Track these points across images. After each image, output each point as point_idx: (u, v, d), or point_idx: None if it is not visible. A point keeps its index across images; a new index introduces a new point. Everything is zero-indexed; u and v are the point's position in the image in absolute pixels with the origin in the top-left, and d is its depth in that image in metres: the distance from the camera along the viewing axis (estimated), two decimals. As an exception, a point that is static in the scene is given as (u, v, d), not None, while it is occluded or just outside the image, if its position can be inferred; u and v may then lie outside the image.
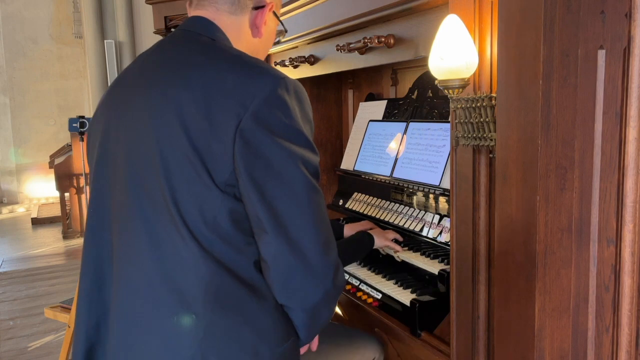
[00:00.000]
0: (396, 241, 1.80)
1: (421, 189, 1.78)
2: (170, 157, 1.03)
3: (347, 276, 1.85)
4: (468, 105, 1.19)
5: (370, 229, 1.87)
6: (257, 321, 1.07)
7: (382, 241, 1.78)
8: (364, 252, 1.75)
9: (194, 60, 1.09)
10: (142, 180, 1.07)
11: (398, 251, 1.75)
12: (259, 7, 1.21)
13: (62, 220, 6.79)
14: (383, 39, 1.54)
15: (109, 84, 5.41)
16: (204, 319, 1.03)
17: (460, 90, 1.17)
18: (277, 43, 1.35)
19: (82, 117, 4.80)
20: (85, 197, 5.20)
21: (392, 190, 1.95)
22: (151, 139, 1.05)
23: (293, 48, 2.22)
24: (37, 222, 7.79)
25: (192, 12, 1.21)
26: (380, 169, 2.00)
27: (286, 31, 1.38)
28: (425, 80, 1.96)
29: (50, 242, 6.59)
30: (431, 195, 1.74)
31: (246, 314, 1.06)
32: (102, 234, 1.15)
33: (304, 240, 1.04)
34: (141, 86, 1.12)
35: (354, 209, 2.14)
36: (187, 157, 1.01)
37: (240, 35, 1.21)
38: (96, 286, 1.15)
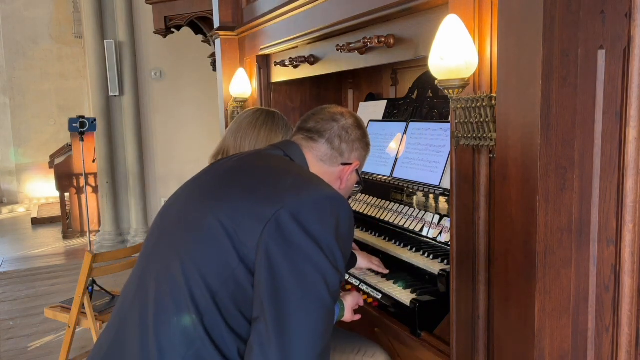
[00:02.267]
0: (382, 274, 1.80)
1: (421, 189, 1.78)
2: (200, 223, 1.07)
3: (347, 276, 1.85)
4: (468, 105, 1.19)
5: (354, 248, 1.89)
6: None
7: (366, 263, 1.80)
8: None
9: (264, 162, 1.22)
10: (170, 240, 1.13)
11: (385, 272, 1.77)
12: (346, 164, 1.32)
13: (62, 220, 6.79)
14: (383, 39, 1.54)
15: (109, 84, 5.41)
16: None
17: (460, 90, 1.17)
18: (352, 195, 1.51)
19: (82, 117, 4.78)
20: (85, 197, 5.20)
21: (392, 190, 1.95)
22: (195, 212, 1.12)
23: (293, 48, 2.22)
24: (37, 222, 7.79)
25: (293, 138, 1.34)
26: (380, 169, 2.00)
27: (362, 187, 1.46)
28: (425, 80, 1.96)
29: (50, 242, 6.59)
30: (431, 195, 1.74)
31: None
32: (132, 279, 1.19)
33: (296, 349, 0.98)
34: (210, 183, 1.22)
35: (354, 208, 2.14)
36: (214, 225, 1.05)
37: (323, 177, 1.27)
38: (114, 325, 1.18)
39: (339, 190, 1.31)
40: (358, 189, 1.45)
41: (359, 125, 1.36)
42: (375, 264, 1.81)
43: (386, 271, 1.79)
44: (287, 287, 0.99)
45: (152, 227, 1.24)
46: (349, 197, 1.46)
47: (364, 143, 1.37)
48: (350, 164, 1.32)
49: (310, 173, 1.23)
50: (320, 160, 1.30)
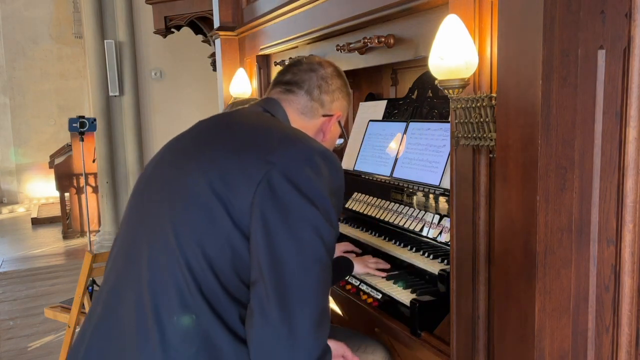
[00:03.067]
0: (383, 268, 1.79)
1: (421, 189, 1.78)
2: (189, 188, 1.05)
3: (347, 277, 1.85)
4: (468, 105, 1.19)
5: (349, 251, 1.88)
6: None
7: (362, 269, 1.77)
8: (340, 279, 1.75)
9: (246, 120, 1.18)
10: (158, 209, 1.09)
11: (383, 277, 1.74)
12: (328, 115, 1.28)
13: (62, 220, 6.79)
14: (383, 39, 1.54)
15: (109, 84, 5.41)
16: (180, 355, 1.00)
17: (460, 90, 1.17)
18: (337, 147, 1.46)
19: (82, 117, 4.78)
20: (85, 197, 5.20)
21: (392, 190, 1.95)
22: (182, 176, 1.09)
23: (293, 48, 2.22)
24: (37, 222, 7.79)
25: (269, 94, 1.29)
26: (380, 169, 2.00)
27: (346, 139, 1.44)
28: (425, 80, 1.96)
29: (50, 242, 6.59)
30: (431, 195, 1.74)
31: (224, 358, 1.02)
32: (114, 262, 1.16)
33: (297, 308, 0.98)
34: (193, 144, 1.18)
35: (354, 208, 2.14)
36: (204, 189, 1.03)
37: (305, 131, 1.24)
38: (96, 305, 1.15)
39: (324, 141, 1.29)
40: (342, 141, 1.42)
41: (338, 73, 1.32)
42: (372, 267, 1.79)
43: (388, 266, 1.77)
44: (283, 248, 0.98)
45: (135, 195, 1.20)
46: (333, 150, 1.44)
47: (345, 92, 1.32)
48: (332, 115, 1.29)
49: (294, 129, 1.19)
50: (301, 114, 1.26)
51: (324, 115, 1.28)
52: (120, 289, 1.10)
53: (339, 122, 1.33)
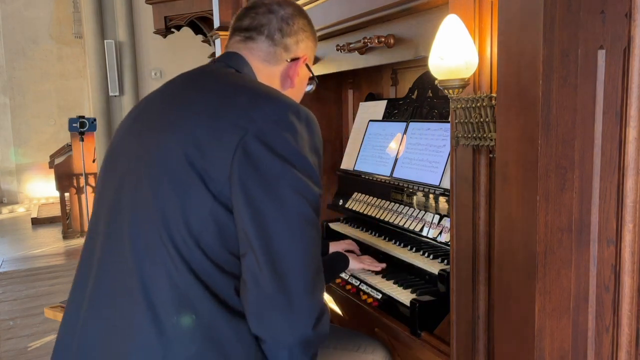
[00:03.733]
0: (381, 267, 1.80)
1: (421, 189, 1.78)
2: (167, 162, 1.01)
3: (347, 276, 1.85)
4: (468, 105, 1.19)
5: (350, 250, 1.88)
6: (231, 345, 1.01)
7: (358, 264, 1.78)
8: (336, 273, 1.74)
9: (212, 82, 1.12)
10: (138, 187, 1.05)
11: (378, 270, 1.76)
12: (293, 60, 1.22)
13: (62, 220, 6.79)
14: (383, 39, 1.54)
15: (109, 84, 5.41)
16: (174, 336, 0.98)
17: (460, 90, 1.17)
18: (308, 92, 1.38)
19: (82, 117, 4.80)
20: (85, 197, 5.20)
21: (392, 190, 1.95)
22: (152, 146, 1.05)
23: (293, 48, 2.22)
24: (37, 222, 7.79)
25: (228, 48, 1.22)
26: (380, 169, 2.00)
27: (317, 82, 1.37)
28: (425, 80, 1.96)
29: (50, 242, 6.59)
30: (431, 195, 1.74)
31: (219, 335, 1.00)
32: (91, 250, 1.12)
33: (290, 269, 0.97)
34: (157, 103, 1.15)
35: (354, 208, 2.14)
36: (181, 161, 0.99)
37: (271, 83, 1.20)
38: (78, 301, 1.12)
39: (292, 91, 1.24)
40: (312, 84, 1.35)
41: (299, 12, 1.23)
42: (367, 263, 1.80)
43: (384, 265, 1.79)
44: (268, 215, 0.96)
45: (106, 171, 1.15)
46: (308, 91, 1.37)
47: (309, 32, 1.25)
48: (298, 58, 1.22)
49: (263, 85, 1.12)
50: (264, 61, 1.19)
51: (289, 60, 1.21)
52: (106, 273, 1.07)
53: (307, 65, 1.26)
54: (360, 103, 2.37)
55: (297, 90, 1.28)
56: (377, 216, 1.97)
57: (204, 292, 0.99)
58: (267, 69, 1.20)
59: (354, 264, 1.78)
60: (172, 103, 1.11)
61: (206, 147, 0.99)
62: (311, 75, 1.31)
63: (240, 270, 1.01)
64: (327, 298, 1.92)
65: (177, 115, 1.06)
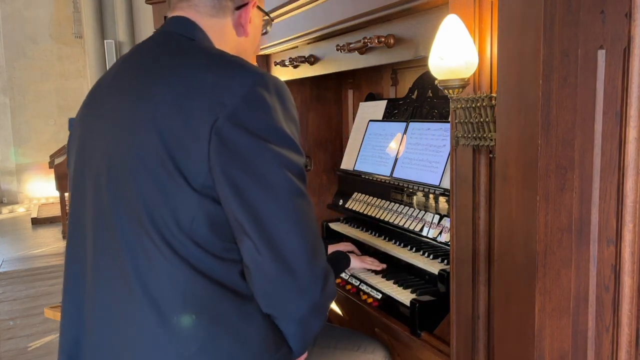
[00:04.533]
0: (381, 267, 1.82)
1: (421, 189, 1.78)
2: (144, 161, 0.98)
3: (347, 276, 1.85)
4: (468, 105, 1.19)
5: (350, 251, 1.88)
6: (241, 330, 1.01)
7: (359, 263, 1.79)
8: (337, 272, 1.75)
9: (170, 61, 1.04)
10: (119, 187, 1.02)
11: (378, 270, 1.77)
12: (241, 6, 1.15)
13: (62, 220, 6.79)
14: (383, 39, 1.54)
15: (109, 84, 5.43)
16: (182, 330, 0.98)
17: (460, 90, 1.17)
18: (265, 34, 1.32)
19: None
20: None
21: (392, 190, 1.95)
22: (126, 144, 1.01)
23: (293, 48, 2.22)
24: (37, 222, 7.79)
25: (171, 13, 1.15)
26: (380, 169, 2.00)
27: (272, 20, 1.31)
28: (425, 80, 1.96)
29: (50, 242, 6.59)
30: (431, 195, 1.74)
31: (228, 323, 1.00)
32: (80, 249, 1.11)
33: (288, 247, 0.97)
34: (117, 91, 1.08)
35: (354, 208, 2.14)
36: (160, 159, 0.96)
37: (224, 37, 1.15)
38: (75, 298, 1.11)
39: (247, 40, 1.19)
40: (268, 25, 1.30)
41: None
42: (368, 262, 1.81)
43: (383, 266, 1.80)
44: (256, 199, 0.96)
45: (79, 171, 1.10)
46: (265, 32, 1.31)
47: None
48: (246, 3, 1.14)
49: (222, 55, 1.05)
50: (212, 16, 1.12)
51: (237, 8, 1.14)
52: (103, 280, 1.05)
53: (258, 7, 1.20)
54: (360, 103, 2.37)
55: (253, 37, 1.21)
56: (377, 216, 1.97)
57: (207, 283, 0.99)
58: (217, 24, 1.13)
59: (356, 263, 1.78)
60: (133, 96, 1.04)
61: (179, 140, 0.96)
62: (265, 17, 1.25)
63: (240, 254, 1.01)
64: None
65: (142, 111, 1.00)
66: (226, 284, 1.01)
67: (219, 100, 0.95)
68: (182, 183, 0.96)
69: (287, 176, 0.98)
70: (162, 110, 0.98)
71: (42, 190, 9.39)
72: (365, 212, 2.05)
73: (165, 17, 1.17)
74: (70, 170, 1.17)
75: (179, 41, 1.09)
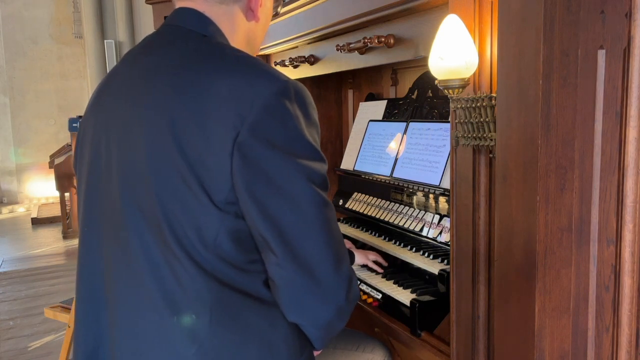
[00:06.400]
0: (380, 265, 1.82)
1: (421, 189, 1.78)
2: (163, 175, 0.96)
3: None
4: (468, 105, 1.19)
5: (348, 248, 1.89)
6: (268, 337, 1.03)
7: (363, 259, 1.79)
8: None
9: (185, 64, 1.01)
10: (137, 199, 1.00)
11: (379, 272, 1.76)
12: None
13: (62, 220, 6.79)
14: (383, 39, 1.54)
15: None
16: (209, 340, 0.98)
17: (460, 90, 1.17)
18: (276, 15, 1.29)
19: (82, 117, 4.80)
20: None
21: (392, 190, 1.95)
22: (144, 155, 0.98)
23: (293, 48, 2.22)
24: (37, 222, 7.79)
25: (178, 3, 1.10)
26: (380, 169, 2.00)
27: (284, 0, 1.28)
28: (425, 80, 1.96)
29: (50, 242, 6.59)
30: (431, 195, 1.74)
31: (254, 331, 1.01)
32: (94, 255, 1.09)
33: (314, 259, 0.97)
34: (131, 95, 1.04)
35: (354, 208, 2.14)
36: (181, 175, 0.94)
37: (235, 25, 1.11)
38: (93, 310, 1.10)
39: (258, 25, 1.16)
40: (279, 5, 1.27)
41: None
42: (371, 259, 1.81)
43: (385, 263, 1.80)
44: (280, 214, 0.94)
45: (89, 189, 1.08)
46: (276, 14, 1.27)
47: None
48: None
49: (238, 55, 1.02)
50: (221, 4, 1.07)
51: None
52: (124, 289, 1.04)
53: None
54: (360, 103, 2.37)
55: (263, 23, 1.18)
56: (377, 216, 1.97)
57: (232, 294, 0.99)
58: (227, 12, 1.09)
59: (360, 259, 1.79)
60: (150, 110, 0.99)
61: (200, 156, 0.93)
62: None
63: (264, 265, 1.01)
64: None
65: (160, 125, 0.96)
66: (251, 293, 1.01)
67: (239, 112, 0.92)
68: (205, 200, 0.94)
69: (312, 188, 0.96)
70: (179, 121, 0.95)
71: (42, 190, 9.40)
72: (365, 212, 2.05)
73: (165, 18, 1.16)
74: (83, 176, 1.13)
75: (192, 39, 1.05)
